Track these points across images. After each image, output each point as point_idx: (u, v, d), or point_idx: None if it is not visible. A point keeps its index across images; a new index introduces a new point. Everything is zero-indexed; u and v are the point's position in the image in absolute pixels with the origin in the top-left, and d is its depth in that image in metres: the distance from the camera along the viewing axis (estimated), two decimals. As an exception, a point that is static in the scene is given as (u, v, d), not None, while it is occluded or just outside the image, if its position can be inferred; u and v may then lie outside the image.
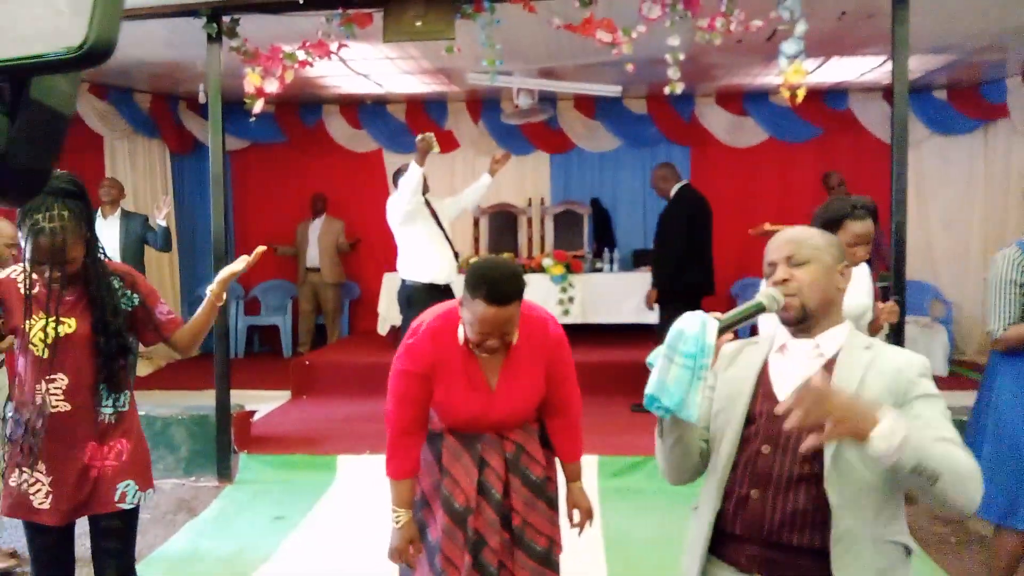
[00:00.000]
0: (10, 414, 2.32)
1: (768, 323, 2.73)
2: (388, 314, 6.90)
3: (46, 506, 2.28)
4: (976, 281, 7.31)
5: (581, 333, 5.81)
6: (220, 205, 4.78)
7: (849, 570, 1.48)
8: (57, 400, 2.26)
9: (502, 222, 7.85)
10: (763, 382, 1.65)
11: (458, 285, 5.59)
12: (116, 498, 2.33)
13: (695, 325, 1.53)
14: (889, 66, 4.61)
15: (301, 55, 4.66)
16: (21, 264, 2.26)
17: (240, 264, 2.41)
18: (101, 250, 2.32)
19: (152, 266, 6.74)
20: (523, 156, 8.00)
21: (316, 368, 6.54)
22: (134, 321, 2.38)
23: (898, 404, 1.50)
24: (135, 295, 2.37)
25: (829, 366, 1.59)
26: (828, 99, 7.45)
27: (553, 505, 2.34)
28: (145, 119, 7.44)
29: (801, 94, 4.23)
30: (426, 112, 7.97)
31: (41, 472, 2.28)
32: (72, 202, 2.16)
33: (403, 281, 5.04)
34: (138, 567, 2.49)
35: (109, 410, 2.32)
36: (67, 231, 2.14)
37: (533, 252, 7.78)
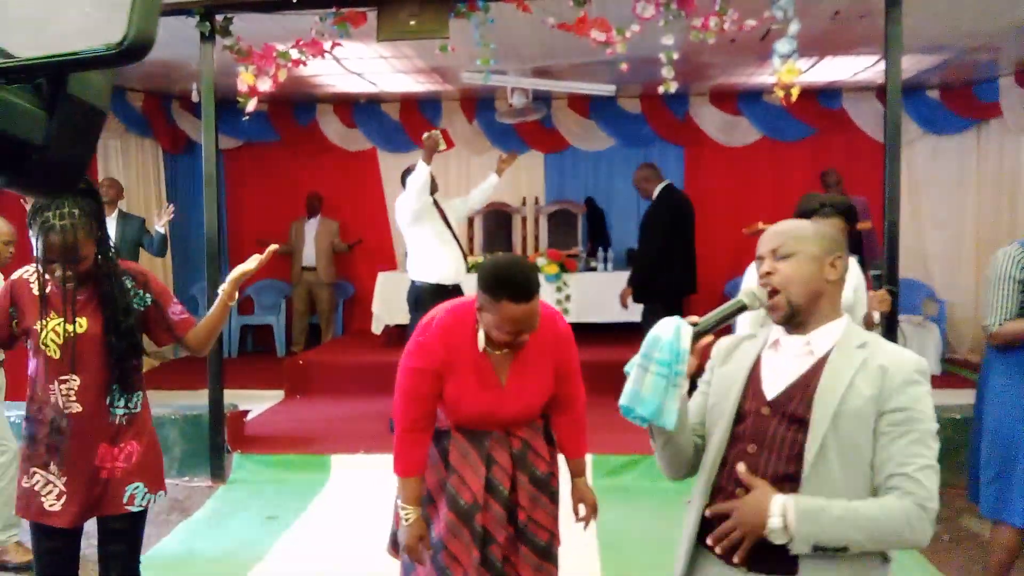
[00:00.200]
0: (21, 414, 2.31)
1: (744, 323, 2.76)
2: (382, 313, 6.89)
3: (57, 508, 2.27)
4: (969, 280, 7.35)
5: (575, 332, 5.78)
6: (213, 204, 4.77)
7: (820, 573, 1.48)
8: (70, 401, 2.25)
9: (496, 221, 7.85)
10: (753, 380, 1.63)
11: (467, 285, 5.64)
12: (125, 500, 2.32)
13: (670, 332, 1.53)
14: (882, 65, 4.62)
15: (295, 54, 4.65)
16: (33, 264, 2.25)
17: (252, 263, 2.39)
18: (113, 249, 2.31)
19: (145, 266, 6.71)
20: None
21: (310, 367, 6.53)
22: (146, 321, 2.36)
23: (878, 412, 1.48)
24: (147, 295, 2.35)
25: (820, 365, 1.56)
26: (821, 98, 7.46)
27: (555, 500, 2.36)
28: (138, 118, 7.42)
29: (795, 93, 4.24)
30: (420, 111, 7.96)
31: (54, 474, 2.27)
32: (82, 200, 2.15)
33: (412, 282, 5.03)
34: (135, 567, 2.48)
35: (121, 411, 2.31)
36: (78, 229, 2.13)
37: (527, 251, 7.78)
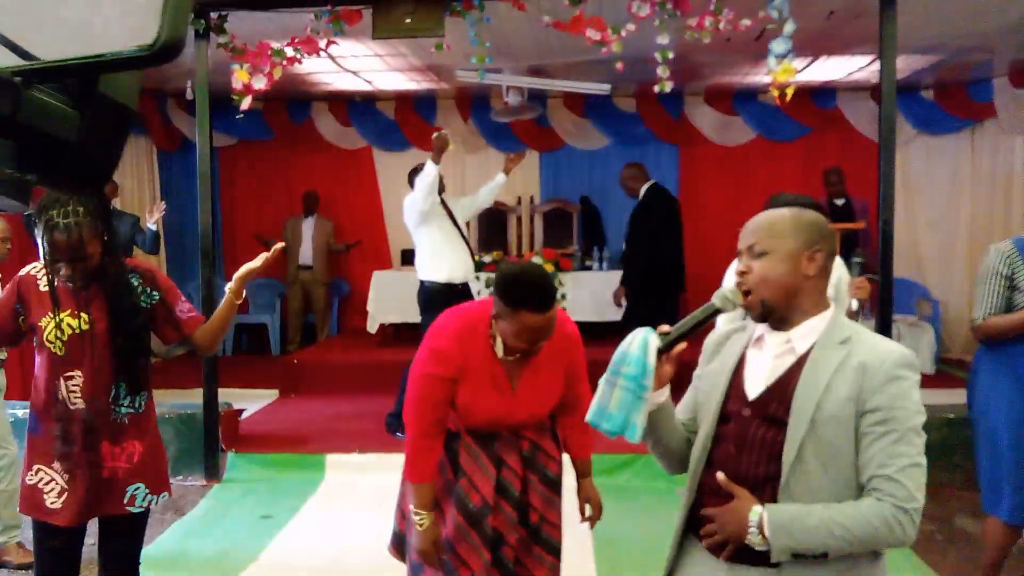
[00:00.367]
0: (21, 413, 2.30)
1: (723, 320, 2.79)
2: (377, 312, 6.88)
3: (58, 506, 2.26)
4: (963, 279, 7.37)
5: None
6: (208, 202, 4.75)
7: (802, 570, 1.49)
8: (75, 398, 2.25)
9: (492, 220, 7.84)
10: (736, 380, 1.62)
11: (475, 285, 5.63)
12: (125, 500, 2.31)
13: (637, 346, 1.53)
14: (877, 65, 4.63)
15: (290, 52, 4.63)
16: (41, 261, 2.24)
17: (258, 262, 2.38)
18: (121, 247, 2.30)
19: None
20: (512, 154, 7.99)
21: (305, 366, 6.52)
22: (153, 319, 2.35)
23: (858, 412, 1.46)
24: (155, 292, 2.34)
25: (800, 365, 1.53)
26: (816, 98, 7.48)
27: (560, 497, 2.39)
28: (132, 115, 7.39)
29: (789, 93, 4.24)
30: (415, 109, 7.95)
31: (57, 471, 2.26)
32: (87, 198, 2.15)
33: (421, 282, 5.03)
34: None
35: (125, 410, 2.30)
36: (82, 227, 2.13)
37: (522, 250, 7.79)
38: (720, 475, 1.53)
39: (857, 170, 6.78)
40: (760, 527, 1.45)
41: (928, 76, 6.88)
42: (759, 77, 6.72)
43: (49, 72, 0.46)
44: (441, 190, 4.99)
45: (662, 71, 4.41)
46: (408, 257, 7.65)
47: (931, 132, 7.49)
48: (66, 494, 2.26)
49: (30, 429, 2.32)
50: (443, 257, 4.96)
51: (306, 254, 7.82)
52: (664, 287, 5.52)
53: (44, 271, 2.24)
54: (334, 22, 4.52)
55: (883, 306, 4.40)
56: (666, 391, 1.64)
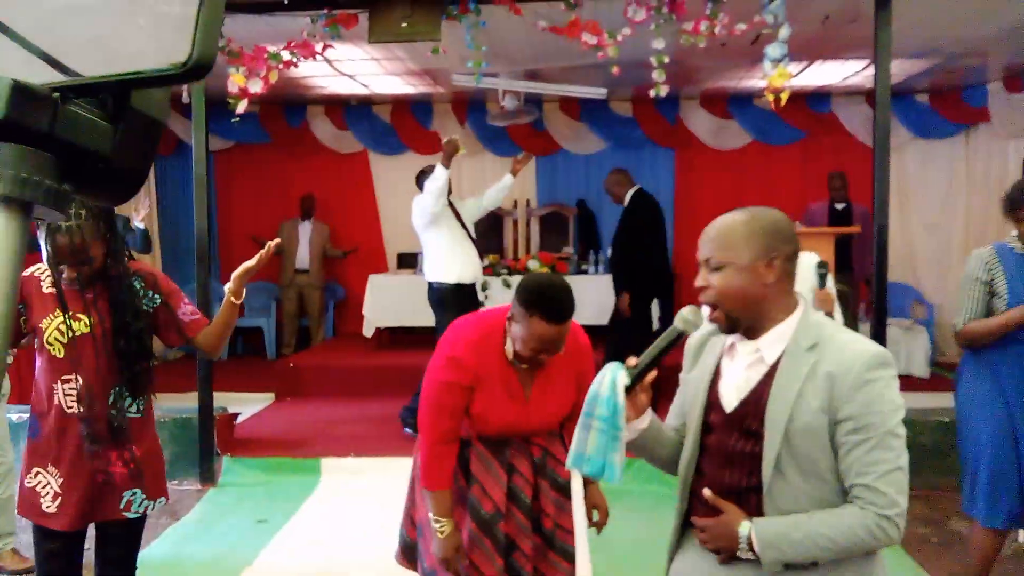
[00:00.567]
0: (23, 415, 2.30)
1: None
2: (373, 316, 6.87)
3: (53, 510, 2.25)
4: (958, 283, 7.37)
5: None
6: (203, 206, 4.75)
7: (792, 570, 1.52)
8: (71, 402, 2.23)
9: (488, 224, 7.82)
10: (713, 391, 1.63)
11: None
12: (121, 506, 2.29)
13: (607, 387, 1.55)
14: (872, 70, 4.65)
15: (286, 55, 4.64)
16: (44, 262, 2.24)
17: (254, 261, 2.36)
18: (125, 250, 2.30)
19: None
20: (508, 158, 7.97)
21: (300, 370, 6.51)
22: (156, 322, 2.34)
23: (831, 422, 1.46)
24: (157, 295, 2.33)
25: (771, 375, 1.53)
26: (812, 102, 7.50)
27: (571, 503, 2.41)
28: (128, 119, 7.37)
29: (785, 97, 4.25)
30: (412, 113, 7.95)
31: (53, 475, 2.26)
32: (91, 201, 2.14)
33: (430, 284, 5.07)
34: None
35: (124, 414, 2.28)
36: (85, 230, 2.12)
37: (519, 254, 7.79)
38: (707, 492, 1.56)
39: (852, 174, 6.80)
40: (749, 543, 1.49)
41: (923, 81, 6.91)
42: (754, 81, 6.74)
43: (85, 88, 0.49)
44: (448, 192, 5.02)
45: (658, 75, 4.42)
46: (405, 261, 7.66)
47: (926, 136, 7.52)
48: (62, 498, 2.25)
49: (30, 432, 2.31)
50: (452, 258, 5.01)
51: (302, 258, 7.81)
52: (649, 292, 5.57)
53: (47, 272, 2.24)
54: (330, 26, 4.53)
55: (878, 309, 4.42)
56: (647, 416, 1.65)
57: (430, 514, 2.26)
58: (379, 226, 8.28)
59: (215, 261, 7.63)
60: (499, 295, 6.24)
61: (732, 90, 7.36)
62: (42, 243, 2.16)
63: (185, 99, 4.85)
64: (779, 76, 4.22)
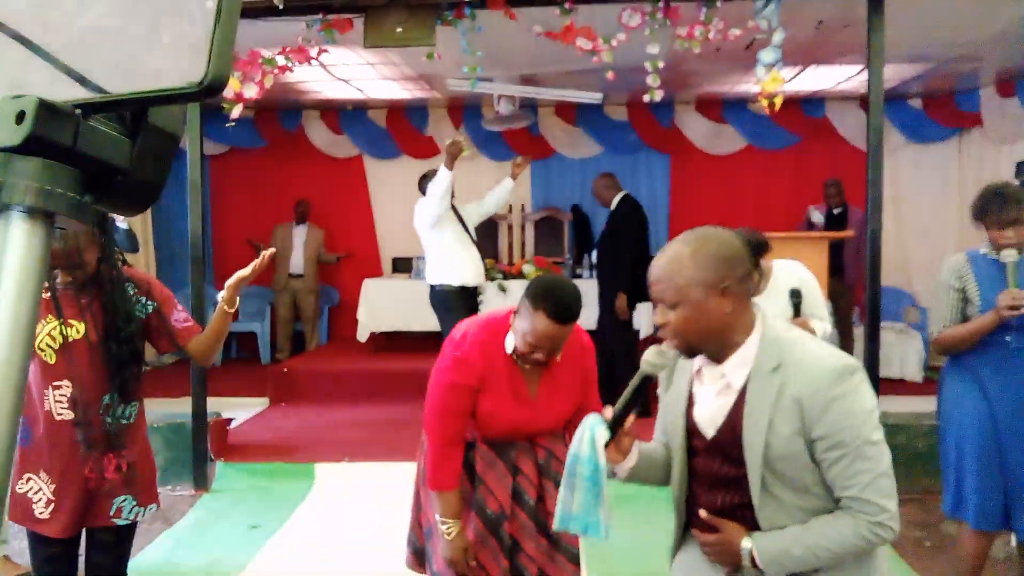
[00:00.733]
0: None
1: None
2: (368, 321, 6.86)
3: (46, 516, 2.24)
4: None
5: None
6: (198, 210, 4.74)
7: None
8: (61, 408, 2.22)
9: (483, 228, 7.80)
10: (691, 417, 1.65)
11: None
12: (111, 512, 2.29)
13: (587, 445, 1.59)
14: (865, 75, 4.67)
15: (281, 60, 4.63)
16: None
17: (248, 270, 2.36)
18: (119, 256, 2.29)
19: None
20: (503, 162, 7.99)
21: (294, 375, 6.49)
22: (148, 329, 2.33)
23: (807, 442, 1.48)
24: (150, 302, 2.32)
25: (741, 403, 1.54)
26: (805, 107, 7.52)
27: None
28: (122, 123, 7.36)
29: (778, 102, 4.27)
30: (407, 118, 7.96)
31: (44, 481, 2.25)
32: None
33: (432, 287, 5.07)
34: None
35: (115, 420, 2.28)
36: (79, 235, 2.12)
37: (514, 258, 7.79)
38: (703, 513, 1.60)
39: (846, 179, 6.82)
40: (752, 560, 1.53)
41: (916, 85, 6.94)
42: (749, 86, 6.76)
43: (106, 105, 0.52)
44: (451, 195, 5.03)
45: (652, 80, 4.43)
46: (400, 265, 7.65)
47: (919, 141, 7.54)
48: (53, 505, 2.24)
49: (21, 438, 2.30)
50: (455, 261, 5.02)
51: (296, 262, 7.80)
52: (633, 296, 5.59)
53: None
54: (326, 31, 4.53)
55: (871, 314, 4.43)
56: (633, 455, 1.68)
57: (437, 516, 2.26)
58: (374, 231, 8.28)
59: (210, 265, 7.62)
60: (494, 300, 6.23)
61: (727, 95, 7.39)
62: None
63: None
64: (772, 81, 4.23)
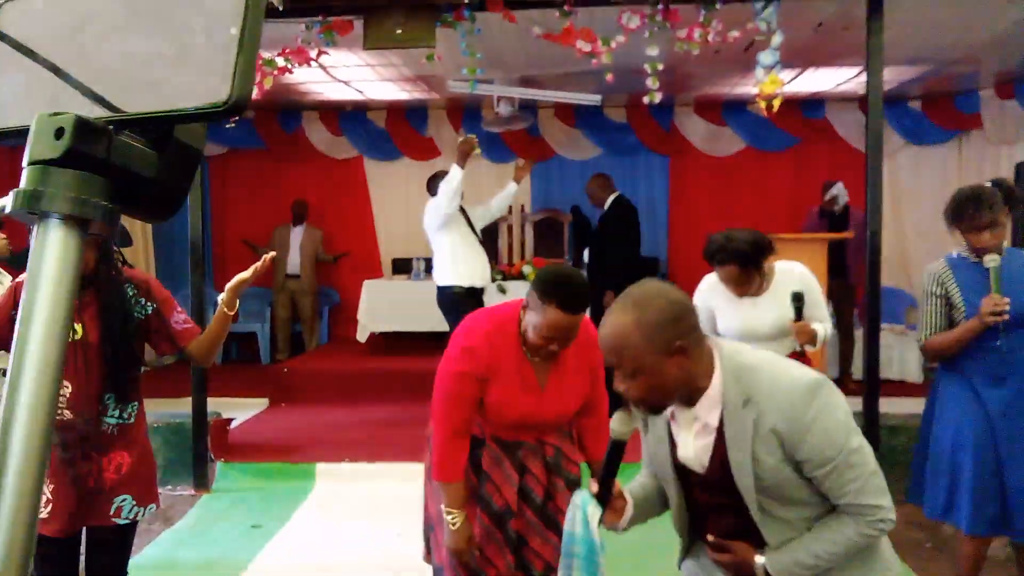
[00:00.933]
0: None
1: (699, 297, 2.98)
2: (368, 321, 6.87)
3: (45, 515, 2.24)
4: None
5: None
6: (198, 211, 4.74)
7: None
8: (61, 408, 2.22)
9: (483, 228, 7.84)
10: (676, 459, 1.69)
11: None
12: (111, 512, 2.29)
13: (580, 525, 1.66)
14: (864, 77, 4.67)
15: (281, 62, 4.64)
16: None
17: (248, 272, 2.35)
18: (119, 257, 2.29)
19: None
20: (503, 164, 8.01)
21: (294, 375, 6.50)
22: (147, 330, 2.33)
23: (793, 465, 1.53)
24: (149, 303, 2.32)
25: (721, 442, 1.58)
26: (805, 109, 7.53)
27: None
28: (122, 124, 7.36)
29: (777, 104, 4.27)
30: (407, 119, 7.96)
31: (43, 480, 2.24)
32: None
33: (440, 288, 5.08)
34: (113, 578, 2.45)
35: (113, 421, 2.28)
36: None
37: (513, 259, 7.79)
38: (711, 538, 1.66)
39: (846, 180, 6.82)
40: (766, 572, 1.61)
41: (915, 87, 6.94)
42: (748, 88, 6.75)
43: (135, 122, 0.57)
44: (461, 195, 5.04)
45: (652, 82, 4.44)
46: (400, 266, 7.65)
47: (918, 143, 7.55)
48: (53, 504, 2.24)
49: None
50: (463, 262, 5.04)
51: (294, 263, 7.80)
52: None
53: None
54: (325, 32, 4.53)
55: (871, 315, 4.43)
56: (629, 509, 1.73)
57: (442, 506, 2.27)
58: (374, 232, 8.28)
59: (209, 267, 7.62)
60: (494, 300, 6.23)
61: (726, 97, 7.39)
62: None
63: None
64: (771, 83, 4.24)
